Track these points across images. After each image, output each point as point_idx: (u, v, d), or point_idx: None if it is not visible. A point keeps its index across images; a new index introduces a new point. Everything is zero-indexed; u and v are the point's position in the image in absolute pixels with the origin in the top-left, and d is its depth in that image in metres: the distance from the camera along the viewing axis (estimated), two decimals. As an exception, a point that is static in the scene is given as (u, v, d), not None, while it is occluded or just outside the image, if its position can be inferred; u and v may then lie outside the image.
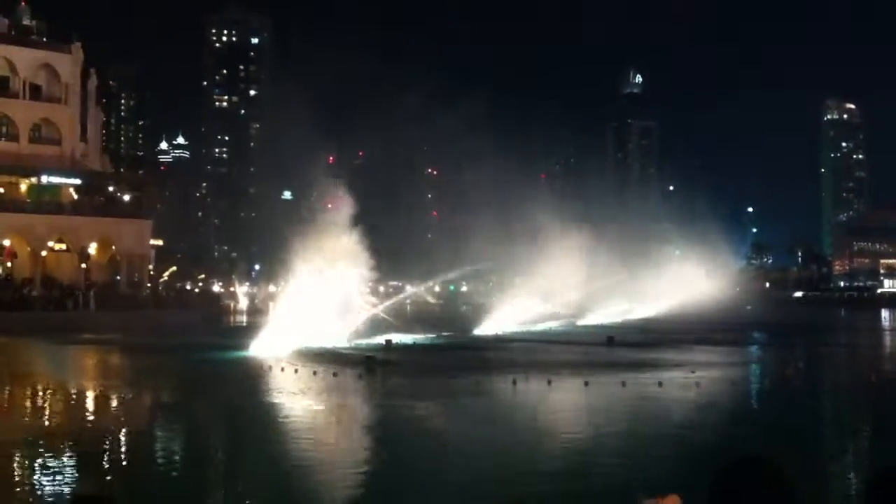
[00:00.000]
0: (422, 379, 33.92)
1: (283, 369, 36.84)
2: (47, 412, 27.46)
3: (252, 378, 35.01)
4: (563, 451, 19.63)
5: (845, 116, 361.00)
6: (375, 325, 58.95)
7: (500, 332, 67.83)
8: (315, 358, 42.41)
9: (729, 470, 2.80)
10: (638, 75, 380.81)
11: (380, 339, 52.54)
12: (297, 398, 29.64)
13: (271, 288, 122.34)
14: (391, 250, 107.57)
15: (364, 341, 52.76)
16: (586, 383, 31.53)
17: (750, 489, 2.73)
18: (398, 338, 54.35)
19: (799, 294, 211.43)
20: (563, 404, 28.41)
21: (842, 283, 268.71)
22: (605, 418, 25.28)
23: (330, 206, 62.22)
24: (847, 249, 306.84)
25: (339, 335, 54.19)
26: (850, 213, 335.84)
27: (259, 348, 47.28)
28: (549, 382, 31.56)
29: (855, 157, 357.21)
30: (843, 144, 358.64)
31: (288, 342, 49.01)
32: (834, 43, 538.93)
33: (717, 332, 66.91)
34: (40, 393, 31.44)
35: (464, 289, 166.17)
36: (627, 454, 19.28)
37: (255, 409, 27.07)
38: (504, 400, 29.33)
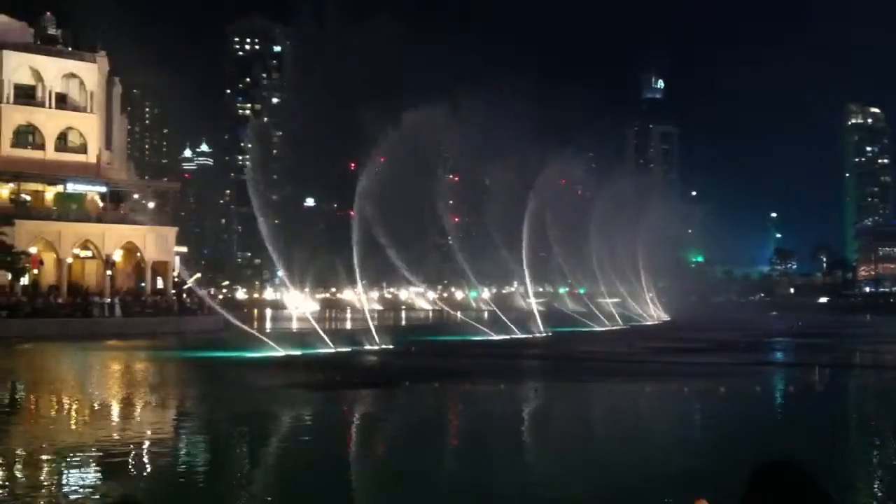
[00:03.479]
0: (442, 385, 33.87)
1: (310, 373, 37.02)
2: (73, 418, 27.71)
3: (266, 386, 35.11)
4: (588, 459, 19.62)
5: (869, 121, 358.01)
6: (397, 328, 59.38)
7: (520, 336, 68.00)
8: (335, 362, 42.62)
9: (759, 473, 2.83)
10: (659, 80, 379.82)
11: (403, 343, 52.71)
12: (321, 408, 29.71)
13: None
14: (413, 256, 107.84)
15: (388, 345, 52.92)
16: (609, 390, 31.53)
17: (781, 491, 2.76)
18: (418, 341, 54.60)
19: (824, 300, 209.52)
20: (587, 412, 28.35)
21: (867, 289, 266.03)
22: (624, 426, 25.20)
23: (352, 213, 62.68)
24: (872, 254, 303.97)
25: (361, 338, 54.58)
26: (875, 217, 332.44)
27: (283, 354, 47.53)
28: (573, 391, 31.56)
29: (879, 161, 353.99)
30: (868, 149, 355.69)
31: (312, 346, 49.50)
32: (857, 47, 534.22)
33: (739, 337, 66.59)
34: (65, 398, 31.74)
35: (485, 294, 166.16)
36: (651, 460, 19.24)
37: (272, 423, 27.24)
38: (528, 407, 29.29)
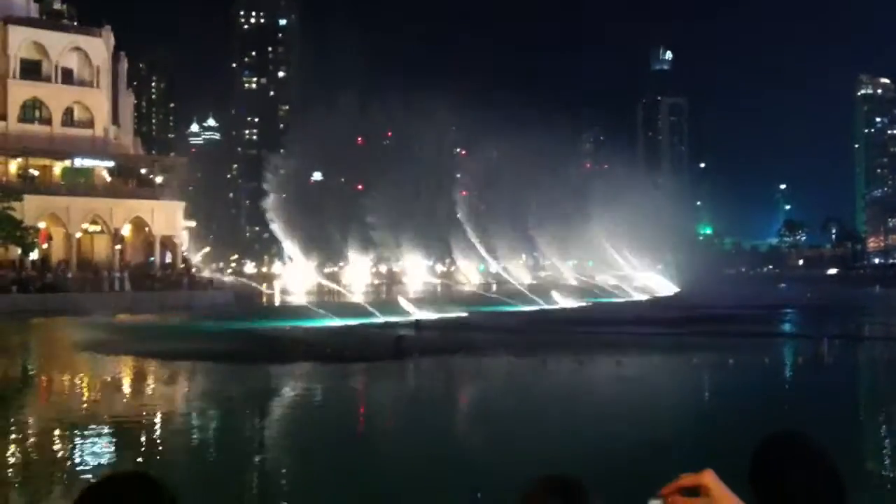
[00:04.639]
0: (454, 359, 33.92)
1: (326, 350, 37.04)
2: (84, 391, 27.90)
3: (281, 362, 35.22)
4: (599, 431, 19.64)
5: (879, 91, 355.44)
6: (403, 302, 59.56)
7: (526, 309, 68.14)
8: (344, 335, 42.72)
9: (768, 445, 2.82)
10: (668, 52, 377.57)
11: (409, 317, 52.80)
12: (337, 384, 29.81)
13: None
14: (421, 230, 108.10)
15: (393, 319, 53.02)
16: (618, 362, 31.52)
17: (791, 463, 2.75)
18: (426, 315, 54.72)
19: (833, 271, 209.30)
20: (603, 386, 28.38)
21: (876, 260, 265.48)
22: (633, 399, 25.17)
23: (360, 187, 62.86)
24: (882, 226, 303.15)
25: (368, 311, 54.78)
26: (885, 189, 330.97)
27: (289, 326, 47.68)
28: (581, 363, 31.59)
29: (890, 132, 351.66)
30: (878, 120, 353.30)
31: (320, 318, 49.70)
32: (868, 17, 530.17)
33: (748, 309, 66.48)
34: (77, 372, 31.96)
35: (493, 268, 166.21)
36: (657, 433, 19.27)
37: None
38: (544, 380, 29.32)
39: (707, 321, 52.62)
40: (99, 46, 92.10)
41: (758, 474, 2.80)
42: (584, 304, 77.49)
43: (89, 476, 14.58)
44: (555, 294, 79.59)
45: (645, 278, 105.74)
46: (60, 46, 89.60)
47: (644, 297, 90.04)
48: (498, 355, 34.42)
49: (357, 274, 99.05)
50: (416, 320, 51.43)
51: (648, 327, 48.52)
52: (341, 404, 24.89)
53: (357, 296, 79.32)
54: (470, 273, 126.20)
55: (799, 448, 2.80)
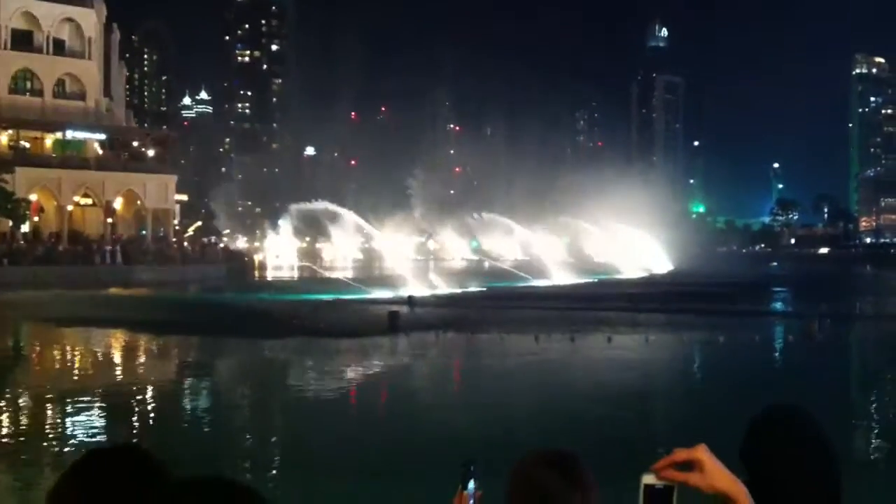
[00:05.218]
0: (447, 335, 33.99)
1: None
2: (76, 364, 27.92)
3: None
4: (589, 406, 19.73)
5: (874, 71, 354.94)
6: (398, 279, 59.68)
7: (519, 286, 68.30)
8: (338, 312, 42.74)
9: (760, 420, 2.82)
10: (664, 28, 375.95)
11: (402, 294, 52.80)
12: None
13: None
14: (412, 205, 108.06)
15: (384, 294, 53.08)
16: (609, 339, 31.57)
17: (782, 438, 2.75)
18: (420, 292, 54.75)
19: (824, 250, 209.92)
20: (594, 362, 28.50)
21: (868, 240, 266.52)
22: (626, 376, 25.26)
23: (353, 162, 62.77)
24: (874, 205, 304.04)
25: (359, 287, 54.85)
26: (878, 168, 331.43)
27: (280, 298, 47.67)
28: (573, 339, 31.70)
29: (884, 111, 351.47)
30: (872, 99, 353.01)
31: (313, 292, 49.74)
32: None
33: (738, 288, 66.60)
34: (69, 345, 31.99)
35: (486, 245, 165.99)
36: (649, 409, 19.38)
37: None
38: (536, 357, 29.40)
39: (699, 298, 52.71)
40: (91, 17, 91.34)
41: (749, 449, 2.80)
42: (576, 281, 77.57)
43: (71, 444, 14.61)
44: (547, 270, 79.79)
45: (619, 254, 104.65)
46: (52, 17, 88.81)
47: (639, 275, 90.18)
48: (490, 331, 34.51)
49: (347, 250, 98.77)
50: (410, 296, 51.39)
51: (639, 304, 48.53)
52: (336, 378, 24.95)
53: (347, 271, 79.41)
54: (462, 249, 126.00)
55: (791, 423, 2.80)
